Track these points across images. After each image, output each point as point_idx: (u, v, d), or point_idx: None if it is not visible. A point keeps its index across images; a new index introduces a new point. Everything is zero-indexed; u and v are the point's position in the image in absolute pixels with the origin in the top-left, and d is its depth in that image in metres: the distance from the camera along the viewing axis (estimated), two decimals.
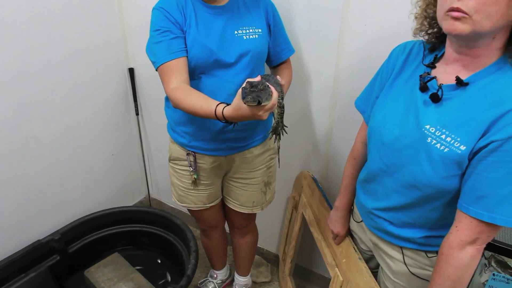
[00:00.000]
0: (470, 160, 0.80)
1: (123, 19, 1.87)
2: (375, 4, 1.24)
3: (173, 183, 1.49)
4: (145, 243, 2.00)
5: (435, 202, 0.89)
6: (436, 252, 0.94)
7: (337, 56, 1.38)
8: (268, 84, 0.91)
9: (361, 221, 1.13)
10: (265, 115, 0.92)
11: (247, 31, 1.19)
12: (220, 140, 1.28)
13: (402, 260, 1.01)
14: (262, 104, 0.87)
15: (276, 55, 1.34)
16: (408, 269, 1.01)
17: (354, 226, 1.22)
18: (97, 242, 1.92)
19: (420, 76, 0.89)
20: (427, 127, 0.85)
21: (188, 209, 1.54)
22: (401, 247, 1.01)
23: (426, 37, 0.92)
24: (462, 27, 0.74)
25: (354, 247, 1.21)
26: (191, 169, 1.35)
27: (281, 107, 1.08)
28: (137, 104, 2.04)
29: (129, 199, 2.28)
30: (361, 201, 1.09)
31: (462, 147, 0.80)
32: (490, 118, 0.77)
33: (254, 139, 1.34)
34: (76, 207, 1.92)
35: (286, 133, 1.16)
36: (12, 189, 1.63)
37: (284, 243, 1.82)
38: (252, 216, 1.59)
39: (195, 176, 1.37)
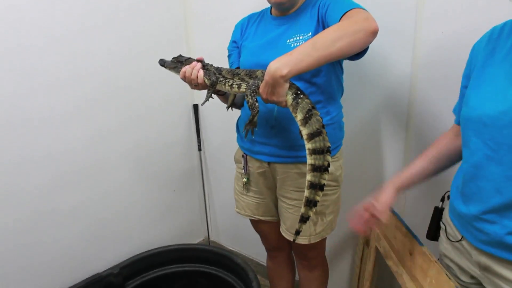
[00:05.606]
0: None
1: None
2: (452, 10, 1.17)
3: (234, 187, 1.51)
4: (203, 284, 1.88)
5: None
6: None
7: (411, 64, 1.30)
8: (185, 65, 1.17)
9: (461, 239, 0.92)
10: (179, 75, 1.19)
11: (298, 38, 1.15)
12: (263, 143, 1.28)
13: None
14: (167, 68, 1.22)
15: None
16: None
17: (448, 250, 1.00)
18: (154, 281, 1.83)
19: None
20: None
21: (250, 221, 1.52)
22: None
23: None
24: None
25: (447, 274, 0.99)
26: (243, 172, 1.39)
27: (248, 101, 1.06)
28: (200, 140, 2.06)
29: (188, 240, 2.21)
30: (461, 210, 0.90)
31: None
32: None
33: (301, 154, 1.22)
34: (135, 242, 1.89)
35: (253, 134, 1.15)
36: (77, 220, 1.65)
37: (356, 285, 1.60)
38: (316, 246, 1.41)
39: (245, 179, 1.40)
